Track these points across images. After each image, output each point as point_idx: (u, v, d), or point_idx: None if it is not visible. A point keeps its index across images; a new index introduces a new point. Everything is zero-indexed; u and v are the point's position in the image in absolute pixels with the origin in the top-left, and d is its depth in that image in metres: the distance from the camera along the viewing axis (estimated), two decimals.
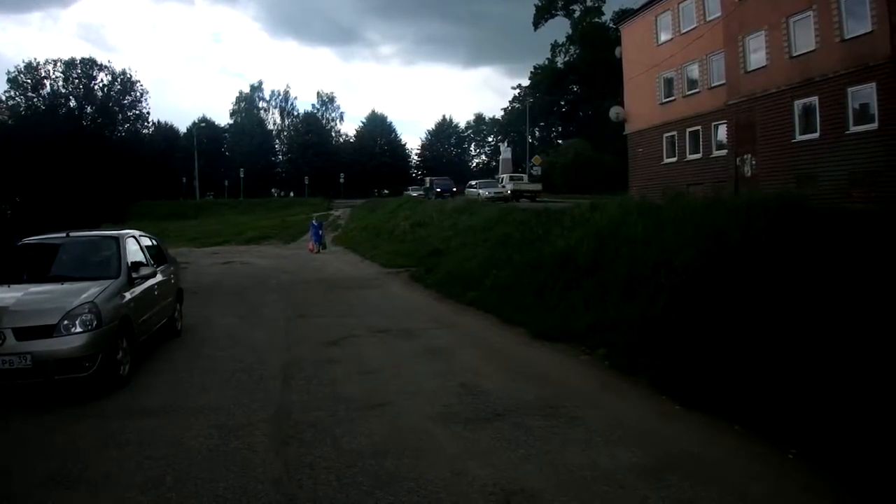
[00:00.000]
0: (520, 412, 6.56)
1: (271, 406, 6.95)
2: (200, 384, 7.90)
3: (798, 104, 23.07)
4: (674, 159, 32.75)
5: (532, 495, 4.72)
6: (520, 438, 5.84)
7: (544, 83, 78.23)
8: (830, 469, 4.95)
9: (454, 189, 50.21)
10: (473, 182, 49.35)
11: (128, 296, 8.50)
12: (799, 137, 23.08)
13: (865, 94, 20.41)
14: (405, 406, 6.86)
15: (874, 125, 19.98)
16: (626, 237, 11.59)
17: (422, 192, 55.81)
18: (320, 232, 31.47)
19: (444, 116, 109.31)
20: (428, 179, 61.77)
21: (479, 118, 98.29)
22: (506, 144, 70.19)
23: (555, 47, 78.71)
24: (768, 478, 4.99)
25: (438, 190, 48.81)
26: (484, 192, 40.34)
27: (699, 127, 30.77)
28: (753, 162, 25.21)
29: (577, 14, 75.50)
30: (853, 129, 20.80)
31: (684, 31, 31.61)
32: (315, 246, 30.58)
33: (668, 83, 33.44)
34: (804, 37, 22.65)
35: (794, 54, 23.09)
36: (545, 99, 77.12)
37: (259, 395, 7.36)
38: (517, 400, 6.96)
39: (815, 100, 22.29)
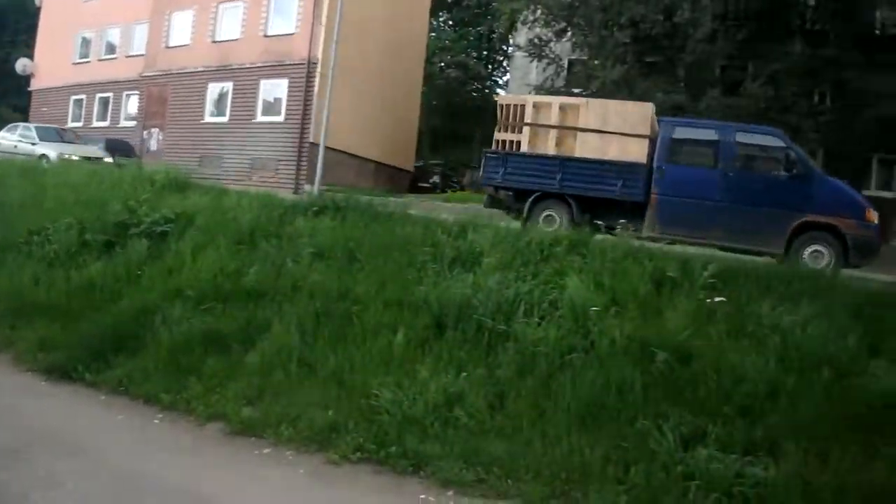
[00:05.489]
0: None
1: None
2: None
3: (212, 87, 24.32)
4: (80, 124, 31.00)
5: None
6: None
7: None
8: None
9: None
10: None
11: None
12: (208, 119, 24.40)
13: (278, 88, 22.66)
14: None
15: (280, 117, 22.43)
16: (2, 201, 10.73)
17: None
18: None
19: None
20: None
21: None
22: None
23: None
24: (129, 441, 5.26)
25: None
26: None
27: (111, 94, 29.91)
28: (160, 136, 25.56)
29: None
30: (261, 118, 22.97)
31: None
32: None
33: (86, 43, 31.57)
34: (231, 24, 24.03)
35: (217, 39, 24.30)
36: None
37: None
38: None
39: (229, 86, 23.82)
